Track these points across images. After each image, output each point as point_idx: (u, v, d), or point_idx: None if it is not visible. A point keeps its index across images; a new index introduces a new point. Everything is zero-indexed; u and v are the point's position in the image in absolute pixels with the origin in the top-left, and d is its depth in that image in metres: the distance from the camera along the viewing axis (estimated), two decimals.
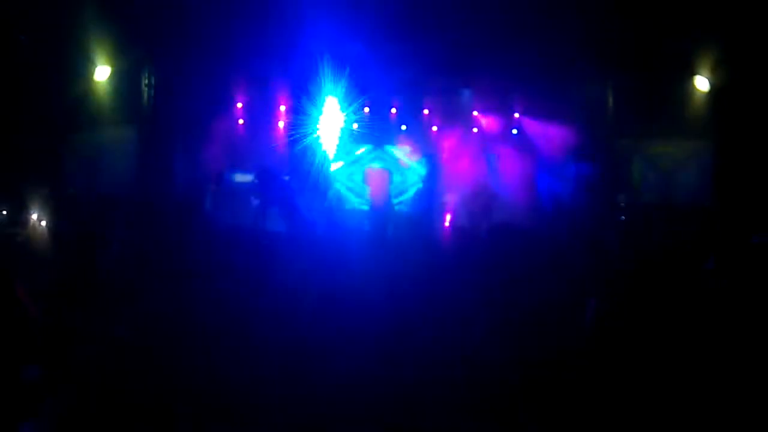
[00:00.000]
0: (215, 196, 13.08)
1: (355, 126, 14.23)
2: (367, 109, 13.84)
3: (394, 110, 13.87)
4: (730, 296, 3.72)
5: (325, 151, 14.61)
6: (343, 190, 14.01)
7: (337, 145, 14.76)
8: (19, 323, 2.76)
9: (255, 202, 12.19)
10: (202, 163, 12.62)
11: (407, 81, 12.70)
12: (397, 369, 1.86)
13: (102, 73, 9.10)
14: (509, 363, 2.73)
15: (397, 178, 14.42)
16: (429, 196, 13.13)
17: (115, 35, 8.75)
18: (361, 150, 14.84)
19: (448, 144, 14.40)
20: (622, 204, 10.11)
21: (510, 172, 14.49)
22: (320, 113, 13.99)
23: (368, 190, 14.36)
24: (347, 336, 2.03)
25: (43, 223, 7.93)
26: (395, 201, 13.71)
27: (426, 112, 14.02)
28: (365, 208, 14.20)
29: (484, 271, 3.31)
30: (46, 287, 3.50)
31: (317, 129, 14.26)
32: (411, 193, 14.13)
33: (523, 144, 14.28)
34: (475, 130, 14.44)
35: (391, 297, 2.05)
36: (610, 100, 10.20)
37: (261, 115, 13.67)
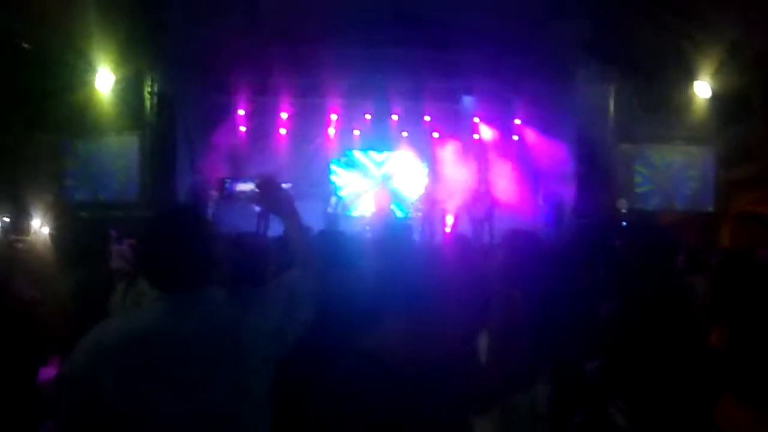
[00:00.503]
0: (218, 203, 13.10)
1: (357, 132, 14.27)
2: (368, 116, 13.88)
3: (395, 117, 13.89)
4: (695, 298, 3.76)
5: (327, 158, 14.66)
6: (345, 198, 14.02)
7: (339, 151, 14.81)
8: (26, 324, 2.75)
9: (257, 209, 12.21)
10: (204, 170, 12.64)
11: (408, 87, 12.73)
12: (405, 375, 1.84)
13: (105, 80, 9.12)
14: (525, 366, 2.72)
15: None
16: (432, 203, 13.13)
17: (119, 43, 8.78)
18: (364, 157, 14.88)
19: (449, 150, 14.43)
20: (624, 209, 10.10)
21: (511, 178, 14.50)
22: (322, 120, 14.06)
23: (373, 201, 14.37)
24: (349, 340, 2.01)
25: (45, 230, 7.94)
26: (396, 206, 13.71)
27: (427, 118, 14.05)
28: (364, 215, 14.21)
29: (491, 276, 3.30)
30: (49, 294, 3.50)
31: (319, 136, 14.32)
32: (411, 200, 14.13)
33: (524, 150, 14.30)
34: (476, 136, 14.46)
35: (396, 302, 2.03)
36: (611, 104, 10.20)
37: (263, 122, 13.71)
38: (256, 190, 2.00)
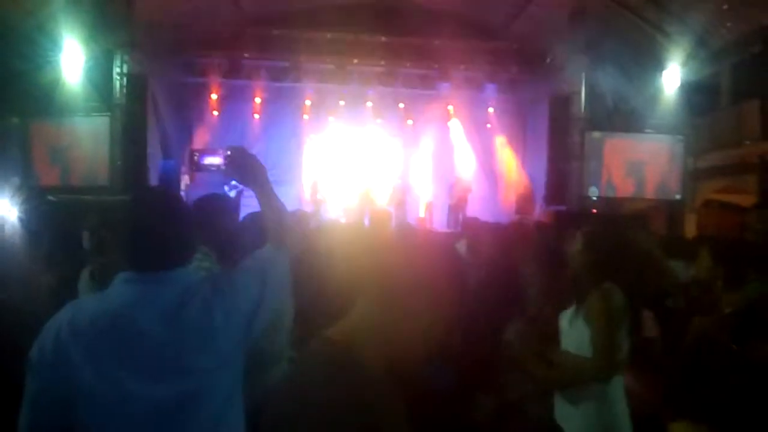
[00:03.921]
0: (189, 185, 12.94)
1: (331, 118, 14.18)
2: (342, 103, 13.79)
3: (369, 103, 13.82)
4: None
5: (300, 144, 14.56)
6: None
7: (312, 137, 14.72)
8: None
9: (230, 191, 12.10)
10: (176, 153, 12.46)
11: (383, 74, 12.67)
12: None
13: (73, 60, 8.89)
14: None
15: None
16: (405, 191, 13.16)
17: (87, 21, 8.55)
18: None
19: (423, 137, 14.44)
20: (594, 197, 10.25)
21: (483, 165, 14.60)
22: (296, 105, 13.93)
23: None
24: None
25: (12, 215, 7.76)
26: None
27: (401, 105, 14.02)
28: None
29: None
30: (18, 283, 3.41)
31: (293, 121, 14.20)
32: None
33: (494, 138, 14.41)
34: (450, 123, 14.51)
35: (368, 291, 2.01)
36: (583, 93, 10.30)
37: (236, 106, 13.55)
38: (226, 162, 1.91)
